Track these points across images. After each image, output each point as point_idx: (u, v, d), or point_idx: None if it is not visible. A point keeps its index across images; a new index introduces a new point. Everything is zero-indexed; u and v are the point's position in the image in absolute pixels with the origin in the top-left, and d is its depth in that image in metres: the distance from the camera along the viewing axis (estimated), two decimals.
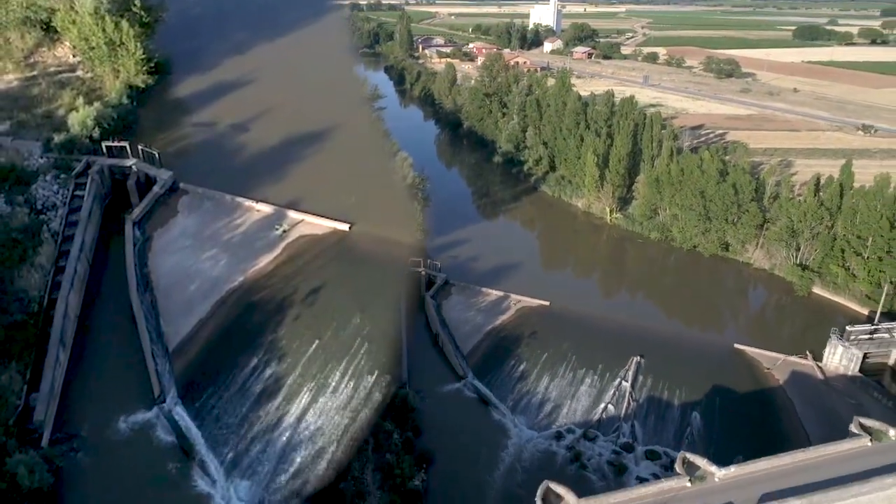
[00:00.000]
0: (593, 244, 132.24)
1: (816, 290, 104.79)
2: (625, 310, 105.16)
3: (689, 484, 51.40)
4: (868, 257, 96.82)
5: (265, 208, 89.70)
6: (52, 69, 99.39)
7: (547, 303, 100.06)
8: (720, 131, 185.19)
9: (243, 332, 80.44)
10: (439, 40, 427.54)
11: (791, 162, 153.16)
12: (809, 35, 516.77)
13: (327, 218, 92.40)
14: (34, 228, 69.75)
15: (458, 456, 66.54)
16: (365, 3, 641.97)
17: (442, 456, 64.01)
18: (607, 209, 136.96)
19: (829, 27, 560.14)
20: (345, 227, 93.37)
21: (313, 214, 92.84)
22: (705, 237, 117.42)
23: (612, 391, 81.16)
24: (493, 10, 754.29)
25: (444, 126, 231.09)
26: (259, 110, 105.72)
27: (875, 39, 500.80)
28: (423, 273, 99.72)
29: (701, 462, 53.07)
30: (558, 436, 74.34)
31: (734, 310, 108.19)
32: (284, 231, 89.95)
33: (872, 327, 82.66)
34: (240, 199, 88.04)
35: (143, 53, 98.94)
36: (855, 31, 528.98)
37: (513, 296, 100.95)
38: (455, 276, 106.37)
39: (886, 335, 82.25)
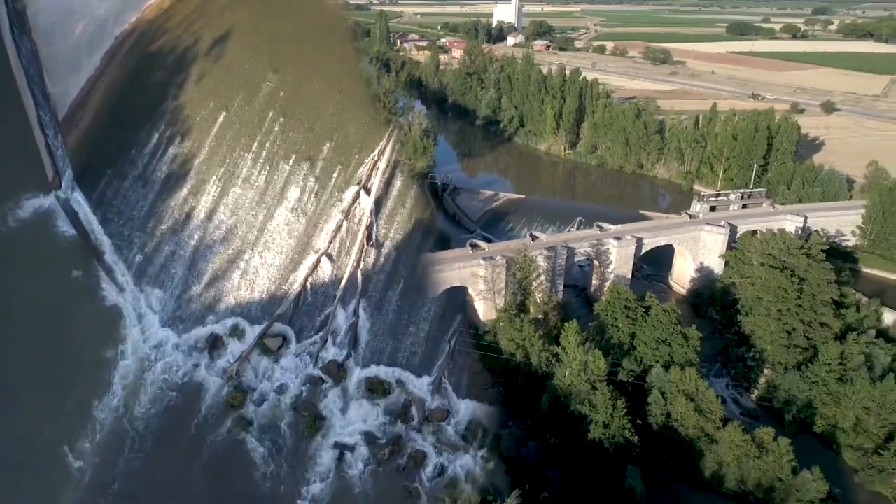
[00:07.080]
0: (552, 171, 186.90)
1: (696, 186, 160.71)
2: (574, 201, 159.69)
3: (598, 231, 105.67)
4: (723, 161, 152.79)
5: None
6: None
7: (523, 196, 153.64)
8: (647, 100, 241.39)
9: (140, 97, 73.06)
10: (414, 36, 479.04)
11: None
12: (740, 30, 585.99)
13: None
14: None
15: None
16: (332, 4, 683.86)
17: None
18: (562, 149, 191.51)
19: (760, 24, 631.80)
20: None
21: None
22: (627, 160, 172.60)
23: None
24: (456, 9, 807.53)
25: (431, 103, 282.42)
26: None
27: (795, 34, 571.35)
28: (440, 183, 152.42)
29: (605, 225, 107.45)
30: None
31: (644, 199, 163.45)
32: None
33: (716, 192, 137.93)
34: None
35: None
36: (779, 27, 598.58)
37: (501, 193, 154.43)
38: (460, 185, 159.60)
39: (724, 198, 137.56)
